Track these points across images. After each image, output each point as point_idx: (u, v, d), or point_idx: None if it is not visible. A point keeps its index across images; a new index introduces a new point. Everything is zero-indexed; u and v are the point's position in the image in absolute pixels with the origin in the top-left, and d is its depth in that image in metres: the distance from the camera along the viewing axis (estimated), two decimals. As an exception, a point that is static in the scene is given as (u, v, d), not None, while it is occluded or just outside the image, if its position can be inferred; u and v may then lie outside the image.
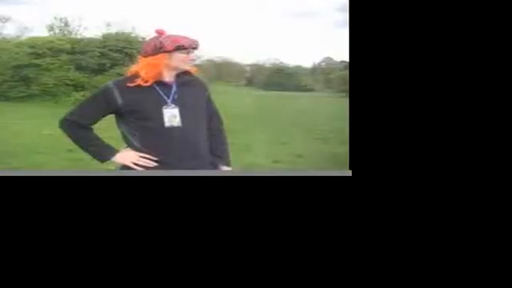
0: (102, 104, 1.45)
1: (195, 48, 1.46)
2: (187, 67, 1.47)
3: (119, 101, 1.43)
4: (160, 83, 1.45)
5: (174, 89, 1.46)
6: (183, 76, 1.50)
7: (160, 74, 1.44)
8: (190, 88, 1.50)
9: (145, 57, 1.45)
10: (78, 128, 1.48)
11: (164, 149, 1.44)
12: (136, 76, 1.44)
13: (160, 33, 1.46)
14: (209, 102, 1.56)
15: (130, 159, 1.45)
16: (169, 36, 1.45)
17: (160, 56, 1.42)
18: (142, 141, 1.45)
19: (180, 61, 1.44)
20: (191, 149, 1.47)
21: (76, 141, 1.50)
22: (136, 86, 1.43)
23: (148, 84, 1.43)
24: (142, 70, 1.43)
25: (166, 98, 1.44)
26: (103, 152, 1.49)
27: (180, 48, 1.43)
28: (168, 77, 1.46)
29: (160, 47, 1.42)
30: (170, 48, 1.42)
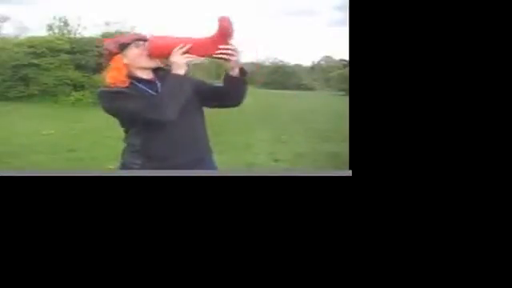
0: (121, 99, 1.43)
1: (142, 40, 1.45)
2: (145, 63, 1.46)
3: (123, 89, 1.44)
4: (142, 81, 1.47)
5: (158, 84, 1.47)
6: (160, 72, 1.50)
7: (127, 73, 1.45)
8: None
9: (108, 64, 1.48)
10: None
11: (163, 144, 1.45)
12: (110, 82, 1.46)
13: (106, 40, 1.50)
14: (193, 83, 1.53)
15: (181, 60, 1.40)
16: (111, 40, 1.49)
17: (115, 58, 1.45)
18: (142, 141, 1.46)
19: (136, 57, 1.45)
20: (189, 139, 1.48)
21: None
22: (123, 88, 1.44)
23: (126, 84, 1.44)
24: (109, 75, 1.46)
25: (154, 93, 1.45)
26: (171, 85, 1.40)
27: (124, 46, 1.45)
28: (146, 74, 1.48)
29: (109, 53, 1.46)
30: (115, 50, 1.45)
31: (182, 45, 1.40)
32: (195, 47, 1.41)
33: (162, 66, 1.50)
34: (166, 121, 1.40)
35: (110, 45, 1.46)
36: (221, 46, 1.40)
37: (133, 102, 1.41)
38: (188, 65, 1.42)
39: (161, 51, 1.42)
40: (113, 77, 1.45)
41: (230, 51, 1.40)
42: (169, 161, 1.46)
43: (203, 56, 1.43)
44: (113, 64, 1.46)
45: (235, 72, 1.47)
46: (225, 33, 1.39)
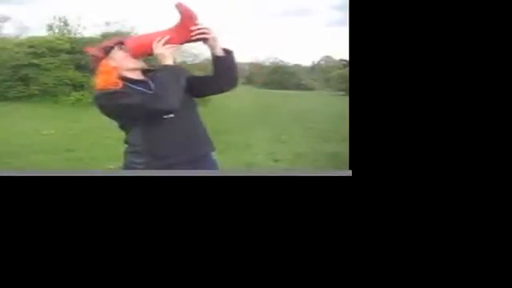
0: (119, 96, 1.44)
1: (122, 43, 1.49)
2: (132, 64, 1.48)
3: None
4: (135, 82, 1.48)
5: (151, 84, 1.48)
6: (148, 73, 1.52)
7: (118, 76, 1.47)
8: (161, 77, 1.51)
9: (95, 70, 1.50)
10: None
11: (164, 141, 1.46)
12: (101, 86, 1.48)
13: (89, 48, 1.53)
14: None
15: (165, 52, 1.44)
16: (95, 46, 1.52)
17: (103, 63, 1.48)
18: (143, 139, 1.46)
19: (122, 60, 1.48)
20: (189, 136, 1.49)
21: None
22: (119, 90, 1.45)
23: (119, 86, 1.45)
24: (100, 79, 1.48)
25: (149, 92, 1.47)
26: (166, 77, 1.44)
27: (108, 49, 1.49)
28: (136, 75, 1.50)
29: (95, 58, 1.49)
30: (101, 54, 1.49)
31: (158, 38, 1.44)
32: (172, 37, 1.45)
33: (148, 67, 1.53)
34: (169, 109, 1.42)
35: (94, 51, 1.50)
36: (192, 28, 1.44)
37: (132, 97, 1.42)
38: (173, 55, 1.46)
39: (141, 50, 1.47)
40: (104, 80, 1.47)
41: (202, 30, 1.45)
42: (170, 159, 1.47)
43: (182, 43, 1.48)
44: (101, 68, 1.48)
45: (219, 51, 1.49)
46: (188, 16, 1.45)
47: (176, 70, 1.45)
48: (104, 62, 1.48)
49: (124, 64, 1.48)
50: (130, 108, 1.42)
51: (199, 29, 1.45)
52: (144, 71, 1.52)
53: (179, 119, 1.46)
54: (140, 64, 1.50)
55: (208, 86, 1.56)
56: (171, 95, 1.41)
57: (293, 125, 5.55)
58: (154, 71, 1.51)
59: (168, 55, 1.44)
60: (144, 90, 1.47)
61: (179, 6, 1.44)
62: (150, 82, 1.49)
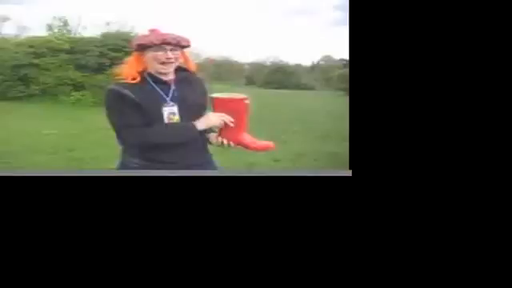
0: (125, 107, 1.40)
1: (169, 44, 1.41)
2: (162, 67, 1.43)
3: (131, 95, 1.40)
4: (158, 81, 1.45)
5: (173, 87, 1.46)
6: (181, 73, 1.50)
7: (137, 71, 1.43)
8: (188, 85, 1.49)
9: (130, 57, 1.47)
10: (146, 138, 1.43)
11: (163, 150, 1.44)
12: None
13: (152, 31, 1.45)
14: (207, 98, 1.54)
15: (213, 122, 1.46)
16: (142, 35, 1.46)
17: (135, 54, 1.44)
18: (140, 147, 1.45)
19: (151, 59, 1.43)
20: (192, 145, 1.47)
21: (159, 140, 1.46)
22: (134, 84, 1.42)
23: (136, 81, 1.42)
24: (123, 67, 1.45)
25: (165, 96, 1.45)
26: (183, 131, 1.45)
27: (143, 47, 1.42)
28: (164, 75, 1.46)
29: (147, 44, 1.42)
30: (133, 47, 1.44)
31: (230, 119, 1.45)
32: (232, 129, 1.46)
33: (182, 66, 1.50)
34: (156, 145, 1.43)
35: (135, 40, 1.44)
36: (232, 144, 1.49)
37: (131, 117, 1.39)
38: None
39: (223, 108, 1.46)
40: (125, 70, 1.43)
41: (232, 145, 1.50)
42: (170, 165, 1.46)
43: (222, 134, 1.49)
44: (130, 59, 1.45)
45: (216, 143, 1.52)
46: (256, 148, 1.50)
47: (196, 132, 1.45)
48: (139, 53, 1.43)
49: (163, 66, 1.43)
50: (129, 127, 1.40)
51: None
52: (176, 69, 1.48)
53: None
54: (173, 67, 1.45)
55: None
56: (169, 141, 1.43)
57: (293, 125, 5.55)
58: (185, 72, 1.50)
59: (208, 125, 1.45)
60: (161, 92, 1.44)
61: (268, 146, 1.50)
62: (172, 85, 1.46)
